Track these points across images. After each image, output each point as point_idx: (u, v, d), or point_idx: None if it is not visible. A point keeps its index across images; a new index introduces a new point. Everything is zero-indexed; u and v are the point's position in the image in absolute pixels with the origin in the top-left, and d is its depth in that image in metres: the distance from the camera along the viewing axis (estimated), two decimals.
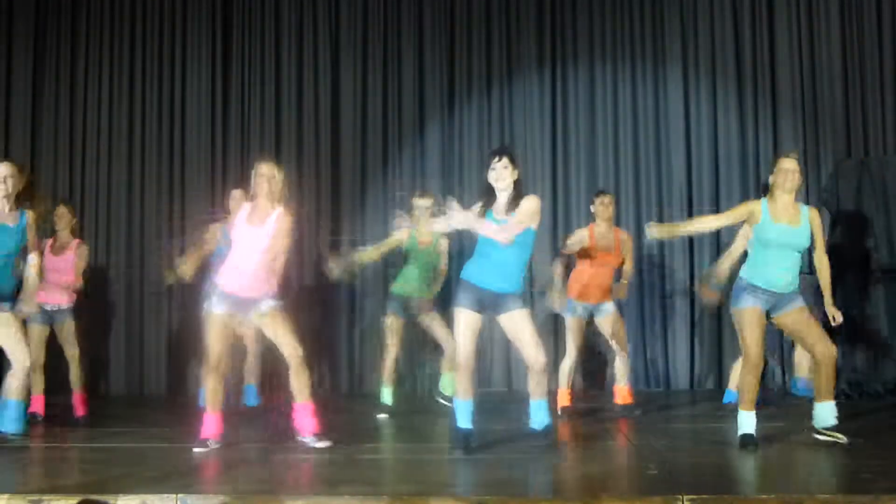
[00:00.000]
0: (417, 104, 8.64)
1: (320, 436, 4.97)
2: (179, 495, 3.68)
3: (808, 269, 8.10)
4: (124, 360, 8.43)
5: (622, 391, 6.30)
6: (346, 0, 8.77)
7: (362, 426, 6.00)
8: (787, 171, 4.72)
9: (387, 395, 6.44)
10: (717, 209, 8.32)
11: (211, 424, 4.93)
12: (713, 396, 7.62)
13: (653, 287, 8.22)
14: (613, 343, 6.37)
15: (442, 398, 6.50)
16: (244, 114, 8.74)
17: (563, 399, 6.20)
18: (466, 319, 4.66)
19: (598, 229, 6.27)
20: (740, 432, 4.71)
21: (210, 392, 4.98)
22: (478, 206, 4.79)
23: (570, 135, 8.54)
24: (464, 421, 4.68)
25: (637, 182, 8.41)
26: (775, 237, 4.70)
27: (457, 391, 4.75)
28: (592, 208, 6.39)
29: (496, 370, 8.38)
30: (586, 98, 8.56)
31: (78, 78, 8.84)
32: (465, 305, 4.67)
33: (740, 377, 4.87)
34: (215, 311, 4.96)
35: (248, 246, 4.92)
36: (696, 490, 3.61)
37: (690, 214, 8.36)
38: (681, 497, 3.52)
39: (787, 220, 4.73)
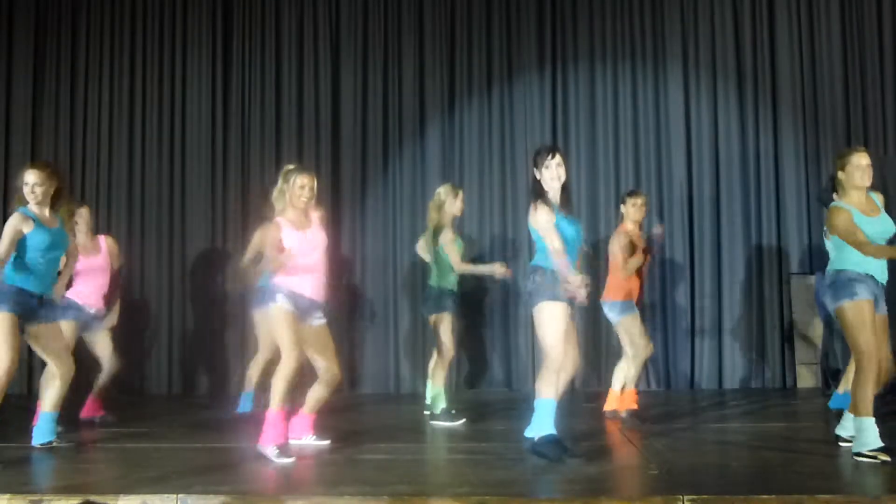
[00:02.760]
0: (418, 104, 8.64)
1: (319, 435, 5.05)
2: (179, 495, 3.68)
3: (808, 269, 8.15)
4: (125, 360, 8.41)
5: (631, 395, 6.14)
6: (346, 0, 8.78)
7: (362, 426, 5.99)
8: (866, 167, 4.64)
9: (440, 399, 6.11)
10: (717, 209, 8.35)
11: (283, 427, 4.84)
12: (713, 396, 7.63)
13: (653, 287, 8.22)
14: (633, 345, 6.31)
15: (435, 418, 6.06)
16: (244, 114, 8.75)
17: (630, 401, 6.02)
18: (564, 313, 4.49)
19: (633, 229, 6.19)
20: (874, 444, 4.28)
21: (284, 393, 4.74)
22: (540, 204, 4.58)
23: (570, 135, 8.54)
24: (553, 426, 4.47)
25: (637, 182, 8.40)
26: (871, 232, 4.54)
27: (547, 391, 4.45)
28: (623, 209, 6.26)
29: (496, 370, 8.38)
30: (586, 98, 8.56)
31: (78, 78, 8.85)
32: (563, 298, 4.49)
33: (857, 384, 4.40)
34: (287, 308, 4.74)
35: (311, 248, 4.89)
36: (696, 490, 3.61)
37: (691, 214, 8.38)
38: (681, 497, 3.52)
39: (870, 213, 4.62)
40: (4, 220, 4.93)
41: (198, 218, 8.64)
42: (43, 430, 5.10)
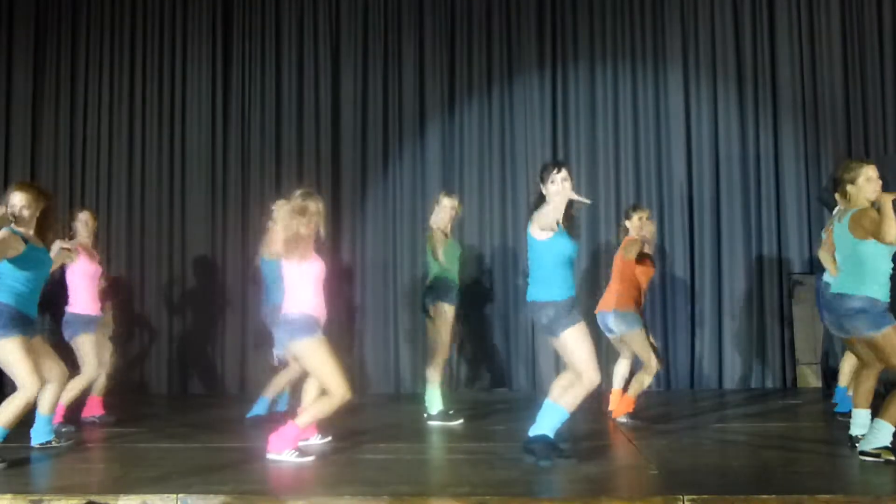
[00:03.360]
0: (418, 104, 8.64)
1: (322, 434, 5.05)
2: (179, 495, 3.69)
3: (809, 269, 8.15)
4: (124, 359, 8.42)
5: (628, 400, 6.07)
6: (346, 0, 8.78)
7: (362, 426, 5.99)
8: (877, 179, 4.55)
9: (438, 400, 6.05)
10: (717, 209, 8.34)
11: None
12: (713, 396, 7.63)
13: (653, 287, 8.22)
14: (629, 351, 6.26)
15: (431, 419, 6.03)
16: (244, 114, 8.75)
17: (626, 406, 5.95)
18: (586, 331, 4.46)
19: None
20: (882, 444, 4.31)
21: (319, 418, 4.79)
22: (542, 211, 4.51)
23: (570, 135, 8.54)
24: (553, 432, 4.46)
25: (637, 182, 8.42)
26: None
27: (571, 405, 4.44)
28: (629, 223, 6.11)
29: (496, 370, 8.38)
30: (586, 98, 8.56)
31: (78, 78, 8.85)
32: (580, 319, 4.46)
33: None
34: (324, 340, 4.74)
35: (320, 277, 4.83)
36: (696, 490, 3.61)
37: (691, 214, 8.38)
38: (681, 497, 3.52)
39: None
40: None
41: (197, 218, 8.64)
42: (40, 432, 5.11)
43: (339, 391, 4.60)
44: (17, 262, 4.64)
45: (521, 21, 8.64)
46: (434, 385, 6.07)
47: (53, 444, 5.11)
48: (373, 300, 8.48)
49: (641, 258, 6.05)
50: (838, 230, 4.66)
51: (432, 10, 8.69)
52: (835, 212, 4.88)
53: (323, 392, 4.76)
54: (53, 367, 4.96)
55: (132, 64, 8.83)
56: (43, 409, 5.09)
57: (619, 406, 5.96)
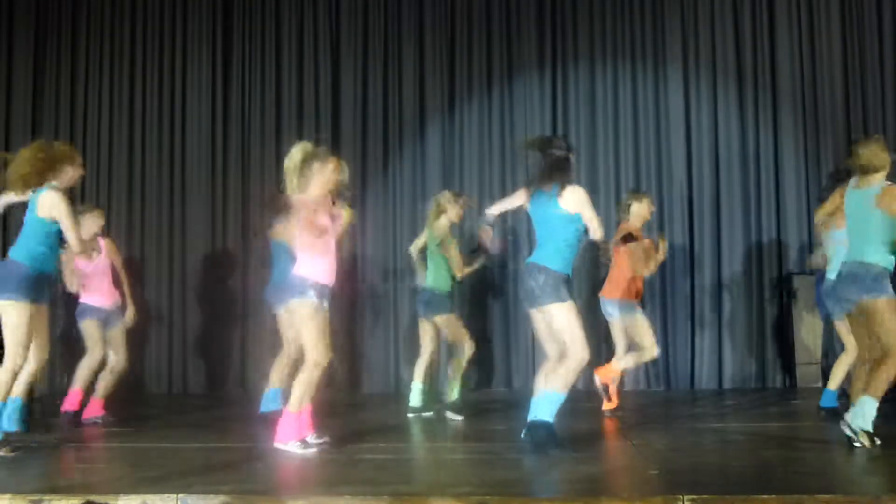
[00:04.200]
0: (418, 104, 8.64)
1: (319, 433, 5.01)
2: (179, 495, 3.68)
3: (809, 269, 8.15)
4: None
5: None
6: (346, 0, 8.78)
7: (362, 426, 5.99)
8: None
9: (455, 391, 6.15)
10: (717, 209, 8.35)
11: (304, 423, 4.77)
12: (713, 396, 7.63)
13: (653, 286, 8.23)
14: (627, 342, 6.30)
15: (414, 411, 6.15)
16: (244, 114, 8.76)
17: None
18: (576, 311, 4.48)
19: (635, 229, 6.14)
20: (864, 426, 4.39)
21: (307, 396, 4.66)
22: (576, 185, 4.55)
23: (570, 135, 8.52)
24: (553, 417, 4.47)
25: (637, 182, 8.41)
26: None
27: (563, 386, 4.48)
28: (634, 208, 6.19)
29: (496, 370, 8.38)
30: (586, 98, 8.56)
31: (78, 78, 8.86)
32: (569, 299, 4.49)
33: (880, 372, 4.41)
34: (317, 305, 4.60)
35: (329, 234, 4.75)
36: (696, 490, 3.60)
37: (691, 214, 8.38)
38: (681, 497, 3.52)
39: None
40: (4, 222, 4.87)
41: (198, 218, 8.65)
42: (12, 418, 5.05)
43: (314, 355, 4.54)
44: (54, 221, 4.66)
45: (521, 21, 8.64)
46: (455, 379, 6.17)
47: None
48: (372, 299, 8.49)
49: (627, 240, 6.09)
50: (856, 198, 4.61)
51: (432, 10, 8.69)
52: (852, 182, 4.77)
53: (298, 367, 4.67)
54: (38, 348, 4.92)
55: (132, 64, 8.84)
56: (15, 391, 4.95)
57: (605, 371, 6.01)
